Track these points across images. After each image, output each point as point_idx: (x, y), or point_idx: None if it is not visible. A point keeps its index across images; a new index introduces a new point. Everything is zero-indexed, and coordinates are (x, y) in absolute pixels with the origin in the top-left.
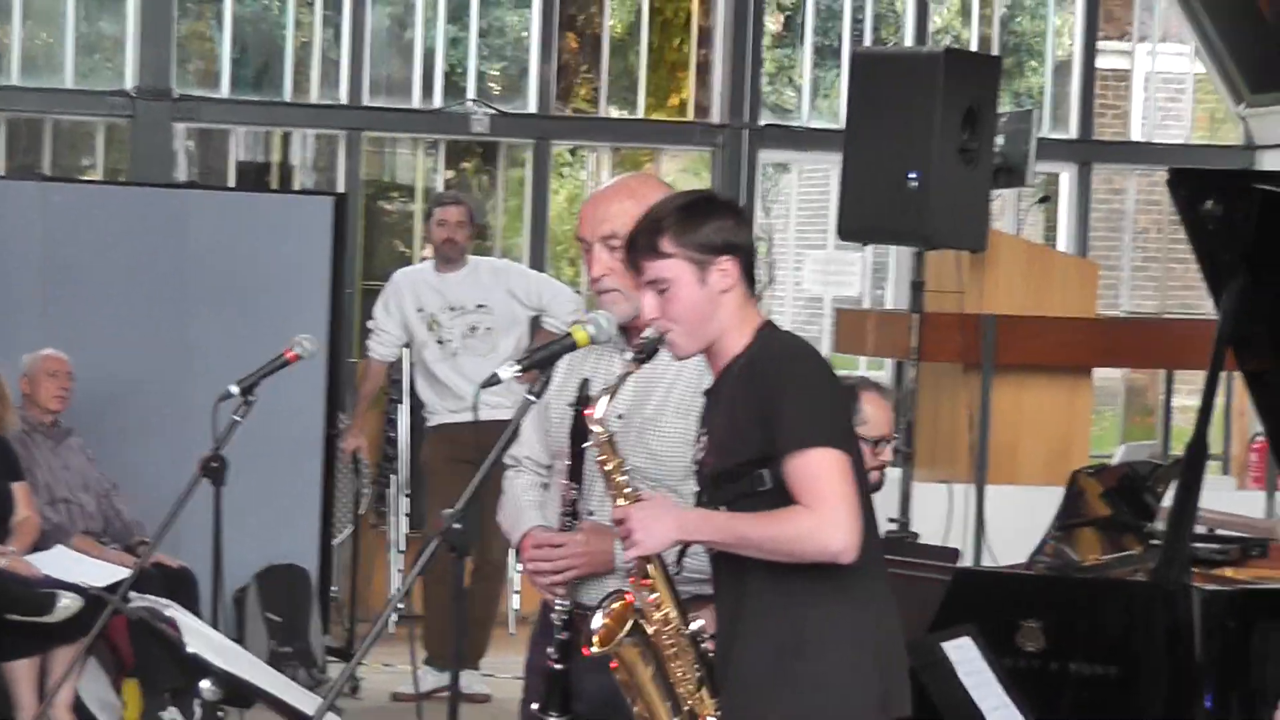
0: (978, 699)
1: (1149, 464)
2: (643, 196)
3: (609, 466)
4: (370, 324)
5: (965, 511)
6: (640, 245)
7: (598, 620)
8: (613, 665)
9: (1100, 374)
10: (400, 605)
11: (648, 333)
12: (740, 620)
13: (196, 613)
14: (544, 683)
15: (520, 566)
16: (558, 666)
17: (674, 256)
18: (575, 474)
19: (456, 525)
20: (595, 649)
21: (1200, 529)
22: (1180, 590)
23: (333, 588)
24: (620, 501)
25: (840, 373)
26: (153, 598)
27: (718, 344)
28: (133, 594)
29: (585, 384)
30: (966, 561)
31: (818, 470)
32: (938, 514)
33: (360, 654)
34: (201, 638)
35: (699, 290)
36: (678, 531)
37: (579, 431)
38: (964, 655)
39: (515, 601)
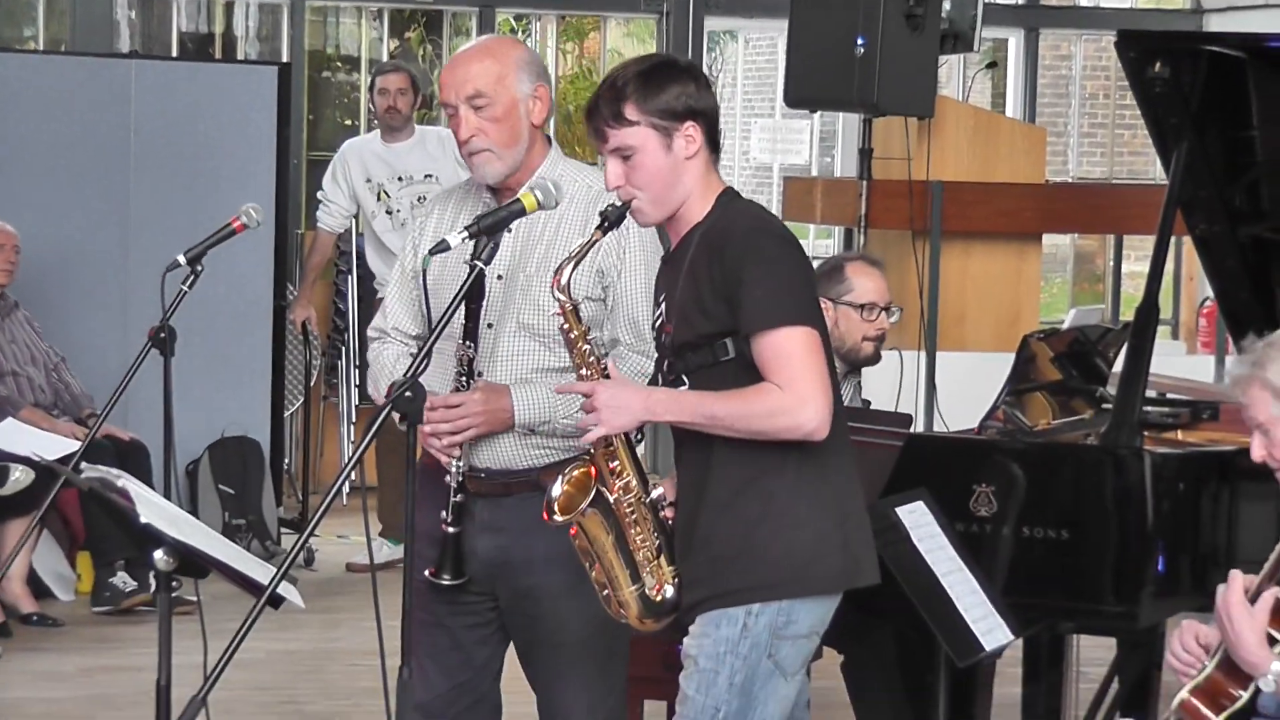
0: (931, 563)
1: (1099, 328)
2: (503, 55)
3: (573, 334)
4: (319, 195)
5: (916, 378)
6: (603, 113)
7: (558, 488)
8: (572, 532)
9: (1049, 240)
10: (353, 476)
11: (536, 195)
12: (706, 491)
13: (149, 485)
14: (438, 546)
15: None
16: (451, 530)
17: (638, 124)
18: (471, 334)
19: (406, 394)
20: (557, 517)
21: (1150, 393)
22: (1131, 454)
23: (285, 460)
24: (585, 371)
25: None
26: (104, 468)
27: (679, 212)
28: (84, 465)
29: (443, 245)
30: (918, 428)
31: (788, 348)
32: (888, 381)
33: (312, 525)
34: (154, 508)
35: (664, 157)
36: (645, 412)
37: (476, 290)
38: (917, 520)
39: None
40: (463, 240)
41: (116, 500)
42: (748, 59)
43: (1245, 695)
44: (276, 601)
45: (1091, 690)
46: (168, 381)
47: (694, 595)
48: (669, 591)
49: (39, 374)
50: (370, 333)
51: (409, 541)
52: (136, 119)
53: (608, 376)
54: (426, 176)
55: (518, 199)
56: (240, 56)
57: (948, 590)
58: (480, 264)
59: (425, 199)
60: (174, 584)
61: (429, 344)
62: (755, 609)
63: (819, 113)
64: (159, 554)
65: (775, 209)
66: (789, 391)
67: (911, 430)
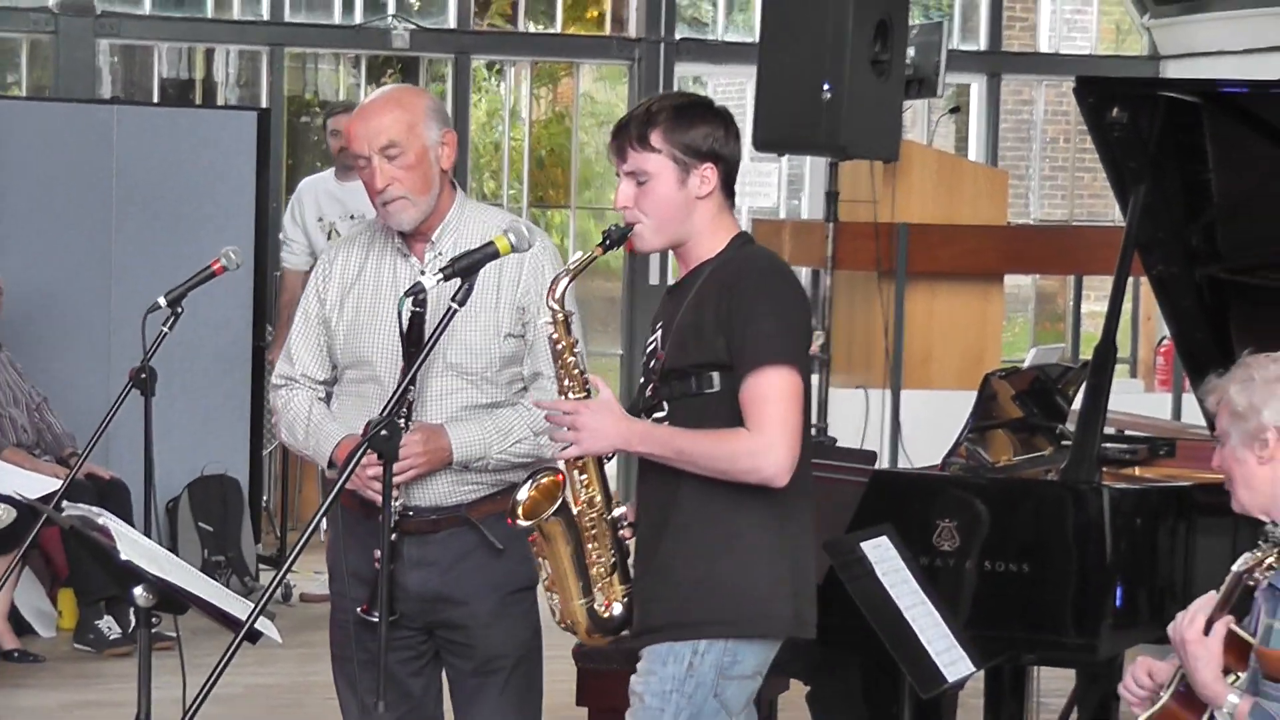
0: (895, 596)
1: (1059, 367)
2: (411, 105)
3: (561, 345)
4: (280, 235)
5: (881, 416)
6: (631, 133)
7: (524, 492)
8: (531, 539)
9: (1011, 280)
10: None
11: (509, 239)
12: (671, 516)
13: (130, 523)
14: (369, 586)
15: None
16: (388, 568)
17: (660, 152)
18: (415, 380)
19: (383, 433)
20: (520, 521)
21: (1109, 430)
22: (1090, 489)
23: (264, 497)
24: (568, 382)
25: None
26: (85, 507)
27: (688, 246)
28: (65, 504)
29: (418, 288)
30: (883, 464)
31: (770, 392)
32: (854, 418)
33: (290, 561)
34: (135, 545)
35: (677, 190)
36: (621, 441)
37: (414, 330)
38: (881, 554)
39: None
40: (437, 282)
41: (97, 538)
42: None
43: None
44: (254, 636)
45: None
46: (148, 421)
47: (648, 618)
48: (617, 609)
49: (21, 414)
50: (275, 380)
51: (383, 583)
52: (119, 163)
53: (588, 394)
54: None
55: (491, 242)
56: (220, 102)
57: (911, 623)
58: (455, 305)
59: (331, 240)
60: (154, 620)
61: (403, 384)
62: (702, 647)
63: (786, 156)
64: (139, 590)
65: None
66: (757, 435)
67: (876, 466)
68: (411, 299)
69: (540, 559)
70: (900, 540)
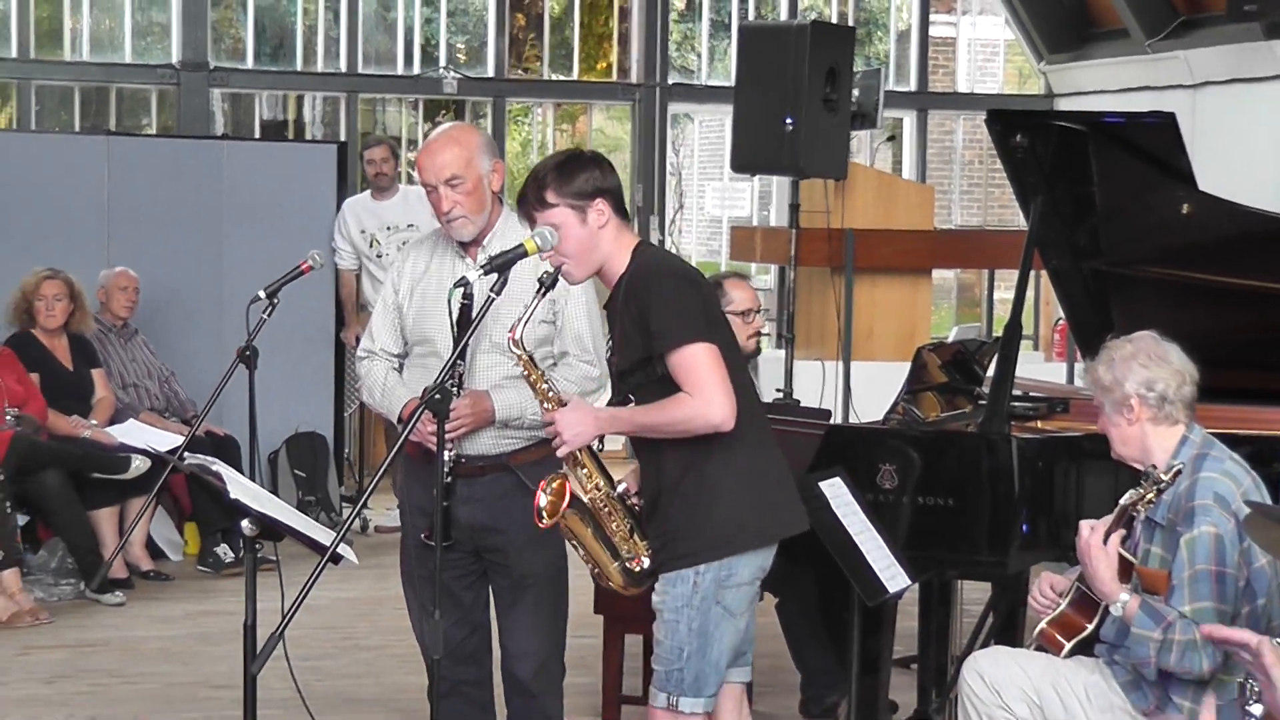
0: (846, 525)
1: (976, 342)
2: (467, 142)
3: (532, 377)
4: (332, 244)
5: (835, 382)
6: (530, 199)
7: (543, 499)
8: (562, 527)
9: (937, 274)
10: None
11: (536, 240)
12: (661, 478)
13: (239, 471)
14: (428, 517)
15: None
16: (443, 504)
17: (557, 205)
18: (463, 352)
19: (437, 396)
20: (545, 521)
21: (1016, 392)
22: (1001, 439)
23: (345, 450)
24: (546, 405)
25: (709, 275)
26: (203, 457)
27: (605, 267)
28: (187, 455)
29: (464, 281)
30: (837, 420)
31: (691, 363)
32: (814, 384)
33: (364, 498)
34: (241, 487)
35: (581, 229)
36: (595, 429)
37: (464, 316)
38: (836, 491)
39: None
40: (478, 277)
41: (212, 481)
42: (702, 135)
43: (1091, 626)
44: (337, 559)
45: (972, 623)
46: (252, 389)
47: (659, 559)
48: (646, 563)
49: (153, 385)
50: (359, 353)
51: (437, 515)
52: (228, 186)
53: (564, 405)
54: (409, 225)
55: (521, 244)
56: (308, 137)
57: (859, 545)
58: (493, 294)
59: (408, 244)
60: (258, 546)
61: (452, 358)
62: (701, 569)
63: (758, 176)
64: (245, 523)
65: (724, 252)
66: (697, 397)
67: (831, 422)
68: (461, 291)
69: (572, 543)
70: (850, 480)
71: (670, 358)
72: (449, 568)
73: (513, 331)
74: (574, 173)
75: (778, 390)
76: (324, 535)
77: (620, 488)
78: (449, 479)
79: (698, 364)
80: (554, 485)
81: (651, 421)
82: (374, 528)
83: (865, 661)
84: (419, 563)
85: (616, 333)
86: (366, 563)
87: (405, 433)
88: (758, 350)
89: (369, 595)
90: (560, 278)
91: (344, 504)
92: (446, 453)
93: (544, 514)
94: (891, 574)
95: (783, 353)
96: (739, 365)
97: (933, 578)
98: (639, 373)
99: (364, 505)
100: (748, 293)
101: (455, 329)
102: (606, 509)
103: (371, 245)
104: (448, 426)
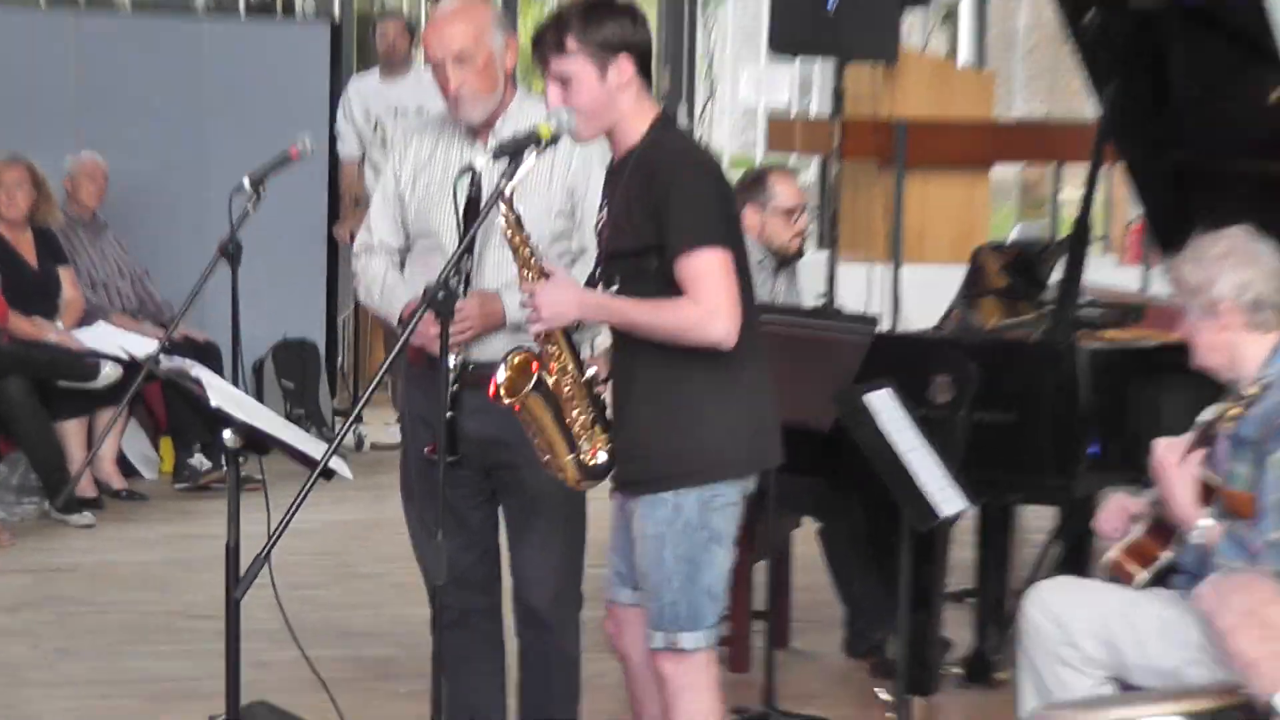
0: (895, 442)
1: (1040, 243)
2: (477, 16)
3: (515, 240)
4: (335, 130)
5: (882, 286)
6: (547, 42)
7: (501, 373)
8: (516, 409)
9: (997, 171)
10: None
11: (551, 125)
12: (634, 381)
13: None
14: (435, 429)
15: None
16: (448, 414)
17: (577, 54)
18: (470, 247)
19: (440, 294)
20: (504, 400)
21: (1085, 298)
22: (1067, 348)
23: (338, 359)
24: (526, 273)
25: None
26: (181, 359)
27: (617, 131)
28: (162, 357)
29: (470, 167)
30: (885, 328)
31: (704, 269)
32: (859, 289)
33: (361, 403)
34: (224, 393)
35: (599, 86)
36: (578, 311)
37: (471, 209)
38: (884, 405)
39: None
40: (486, 163)
41: (191, 387)
42: (737, 13)
43: (1168, 554)
44: (329, 474)
45: (1034, 553)
46: (235, 290)
47: (628, 473)
48: (602, 456)
49: (125, 285)
50: (356, 247)
51: (440, 428)
52: (208, 68)
53: (546, 276)
54: (418, 110)
55: (535, 128)
56: (298, 16)
57: (909, 465)
58: (504, 184)
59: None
60: (241, 459)
61: (458, 251)
62: (683, 492)
63: (798, 59)
64: (227, 433)
65: (760, 145)
66: (701, 307)
67: (879, 330)
68: (468, 179)
69: (528, 428)
70: (900, 393)
71: (682, 259)
72: (455, 486)
73: (502, 193)
74: (602, 19)
75: (820, 295)
76: (315, 449)
77: (589, 373)
78: (455, 388)
79: (710, 272)
80: (517, 361)
81: (644, 321)
82: (370, 444)
83: (916, 594)
84: (421, 479)
85: (617, 208)
86: (363, 483)
87: (405, 335)
88: (800, 252)
89: (365, 518)
90: (564, 135)
91: (337, 418)
92: (451, 358)
93: (502, 391)
94: (945, 497)
95: (825, 254)
96: (745, 272)
97: (991, 502)
98: (633, 260)
99: (358, 417)
100: (793, 189)
101: (461, 221)
102: (571, 395)
103: (376, 130)
104: (453, 329)
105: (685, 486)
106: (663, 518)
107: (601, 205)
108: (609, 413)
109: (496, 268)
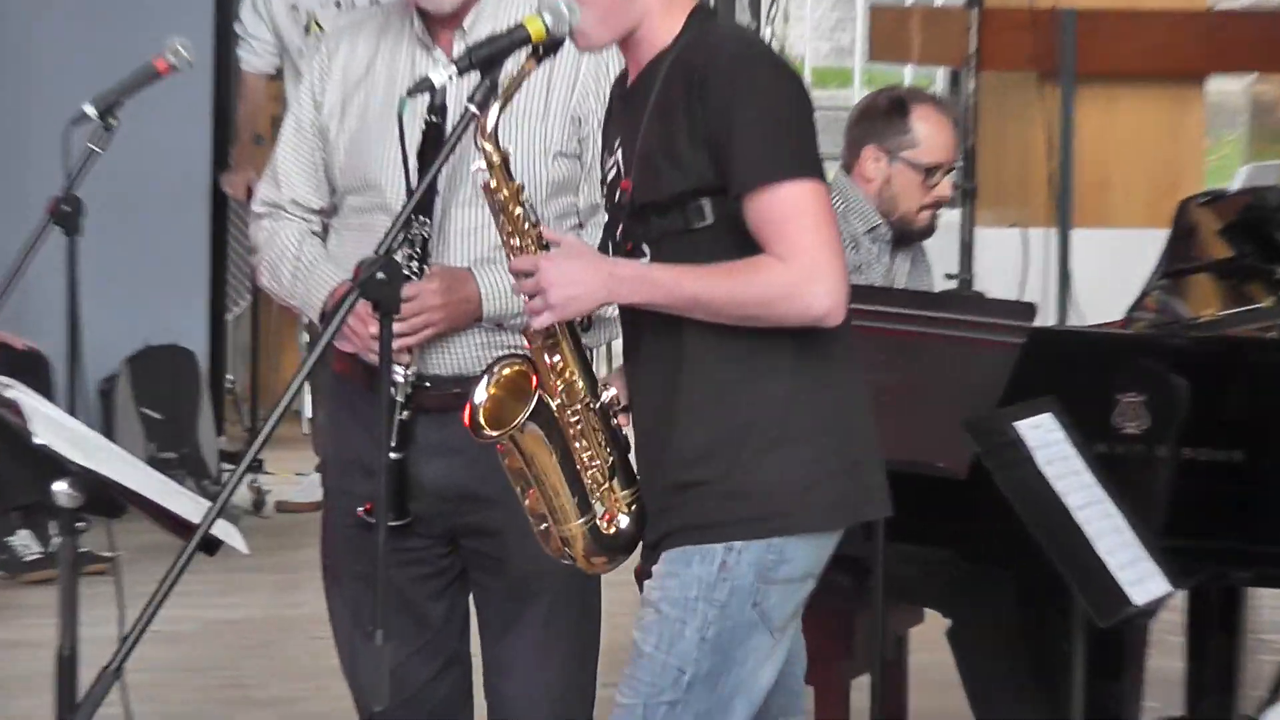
0: (1062, 492)
1: None
2: None
3: (502, 195)
4: (237, 28)
5: (1045, 261)
6: None
7: (482, 392)
8: (500, 448)
9: (1216, 84)
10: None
11: (545, 21)
12: (678, 395)
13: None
14: (373, 478)
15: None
16: (394, 455)
17: None
18: (426, 207)
19: (379, 276)
20: (486, 431)
21: None
22: None
23: (228, 376)
24: (517, 241)
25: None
26: None
27: (639, 35)
28: None
29: (427, 84)
30: (1046, 320)
31: (791, 209)
32: (1008, 265)
33: (255, 448)
34: (54, 426)
35: None
36: (606, 292)
37: (429, 147)
38: (1043, 437)
39: None
40: (450, 79)
41: (4, 415)
42: None
43: None
44: (213, 547)
45: (1275, 664)
46: (73, 273)
47: (661, 528)
48: (623, 522)
49: None
50: (257, 207)
51: (382, 475)
52: None
53: (546, 247)
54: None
55: (520, 24)
56: None
57: (1083, 527)
58: (473, 108)
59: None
60: (81, 525)
61: (408, 208)
62: (737, 546)
63: None
64: (60, 486)
65: (859, 51)
66: (794, 264)
67: (1037, 324)
68: (426, 102)
69: (517, 478)
70: (1069, 419)
71: (758, 198)
72: (405, 563)
73: (482, 122)
74: None
75: (948, 276)
76: (191, 506)
77: (606, 396)
78: (404, 415)
79: (805, 212)
80: (504, 375)
81: (709, 293)
82: (276, 503)
83: None
84: (353, 554)
85: (645, 142)
86: (263, 561)
87: (328, 334)
88: (930, 229)
89: (268, 615)
90: (574, 36)
91: (226, 465)
92: (400, 370)
93: (483, 420)
94: (1138, 574)
95: (957, 214)
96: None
97: (1209, 583)
98: (673, 213)
99: (257, 463)
100: (946, 133)
101: (409, 166)
102: (581, 427)
103: (309, 31)
104: (402, 326)
105: (740, 538)
106: (699, 578)
107: (611, 146)
108: (632, 455)
109: (467, 235)
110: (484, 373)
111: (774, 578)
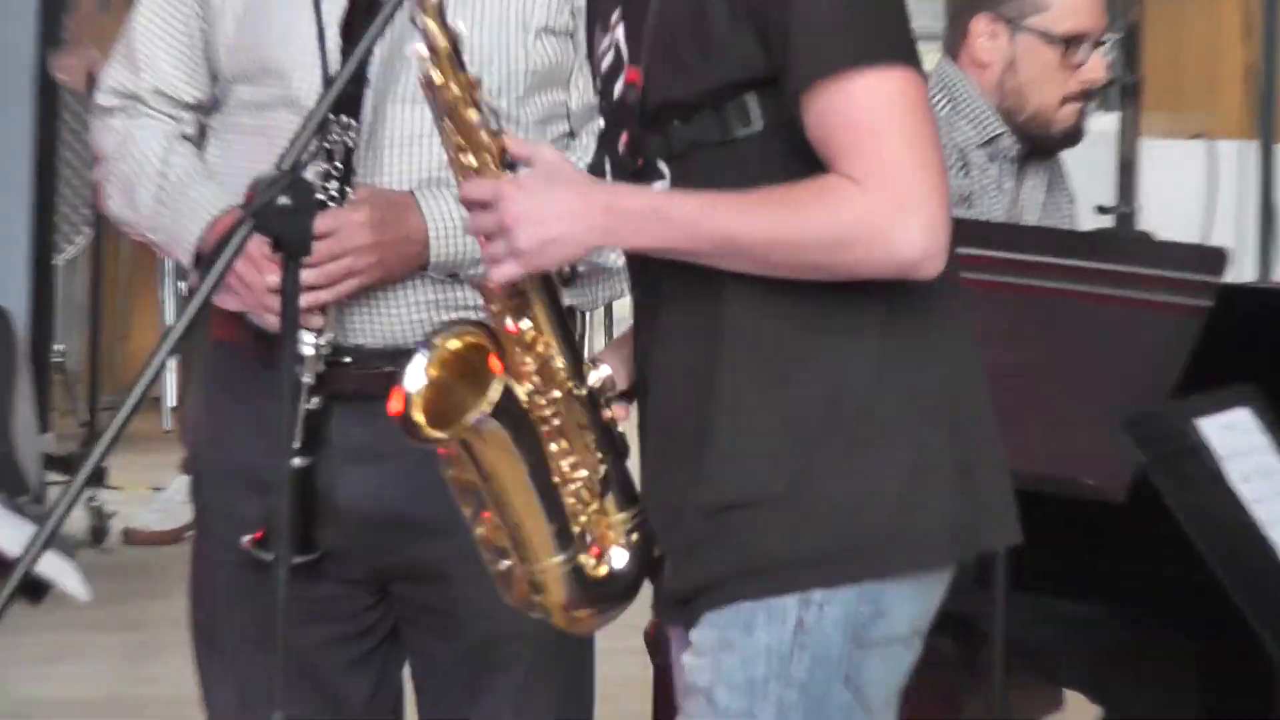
0: (1262, 520)
1: None
2: None
3: (450, 93)
4: None
5: (1239, 187)
6: None
7: (417, 374)
8: (442, 452)
9: None
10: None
11: None
12: (714, 380)
13: None
14: (266, 494)
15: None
16: (298, 462)
17: None
18: (352, 104)
19: (282, 200)
20: (426, 431)
21: None
22: None
23: (56, 346)
24: (470, 158)
25: None
26: None
27: None
28: None
29: None
30: (1242, 275)
31: (872, 110)
32: (1187, 193)
33: (97, 456)
34: None
35: None
36: (601, 232)
37: (360, 9)
38: (1237, 442)
39: None
40: None
41: None
42: None
43: None
44: (38, 593)
45: None
46: None
47: (696, 574)
48: (618, 558)
49: None
50: (104, 100)
51: (281, 491)
52: None
53: (513, 167)
54: None
55: None
56: None
57: None
58: None
59: None
60: None
61: (322, 108)
62: (817, 597)
63: None
64: None
65: None
66: (875, 189)
67: (1227, 279)
68: None
69: (464, 496)
70: (1274, 418)
71: (822, 91)
72: (313, 617)
73: None
74: None
75: (1100, 210)
76: (9, 537)
77: (594, 377)
78: (313, 403)
79: (892, 114)
80: (454, 347)
81: (747, 233)
82: (125, 530)
83: None
84: (237, 606)
85: (660, 17)
86: (107, 611)
87: (207, 284)
88: (1076, 132)
89: (113, 694)
90: None
91: (53, 475)
92: (309, 339)
93: (419, 415)
94: None
95: (1113, 119)
96: None
97: None
98: (704, 115)
99: (98, 473)
100: None
101: (328, 44)
102: (558, 423)
103: None
104: (315, 274)
105: (820, 585)
106: (764, 651)
107: (604, 23)
108: (632, 464)
109: (410, 144)
110: (421, 345)
111: (871, 638)
